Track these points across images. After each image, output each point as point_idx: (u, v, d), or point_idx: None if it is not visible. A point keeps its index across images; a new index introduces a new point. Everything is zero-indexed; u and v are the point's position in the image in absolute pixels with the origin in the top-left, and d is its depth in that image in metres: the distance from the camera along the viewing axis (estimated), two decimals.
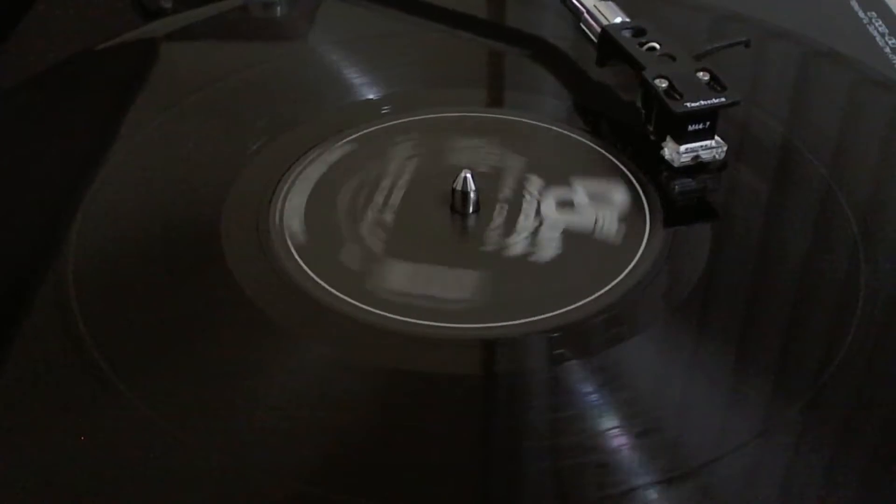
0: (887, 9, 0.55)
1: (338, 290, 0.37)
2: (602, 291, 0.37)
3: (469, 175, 0.40)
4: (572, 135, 0.45)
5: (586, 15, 0.48)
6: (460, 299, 0.37)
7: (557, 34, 0.52)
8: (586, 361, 0.35)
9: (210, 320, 0.37)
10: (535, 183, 0.42)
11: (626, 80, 0.46)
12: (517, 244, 0.39)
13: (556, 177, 0.42)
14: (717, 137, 0.42)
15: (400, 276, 0.38)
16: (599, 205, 0.41)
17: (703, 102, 0.41)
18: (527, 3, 0.57)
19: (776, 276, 0.39)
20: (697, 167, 0.43)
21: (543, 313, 0.36)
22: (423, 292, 0.37)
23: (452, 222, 0.40)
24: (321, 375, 0.34)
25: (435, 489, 0.31)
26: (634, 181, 0.42)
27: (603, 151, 0.44)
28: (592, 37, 0.47)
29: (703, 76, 0.43)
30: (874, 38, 0.53)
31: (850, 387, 0.34)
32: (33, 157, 0.43)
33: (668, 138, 0.42)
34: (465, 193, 0.40)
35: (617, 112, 0.47)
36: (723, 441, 0.32)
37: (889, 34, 0.53)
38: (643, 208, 0.41)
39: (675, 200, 0.42)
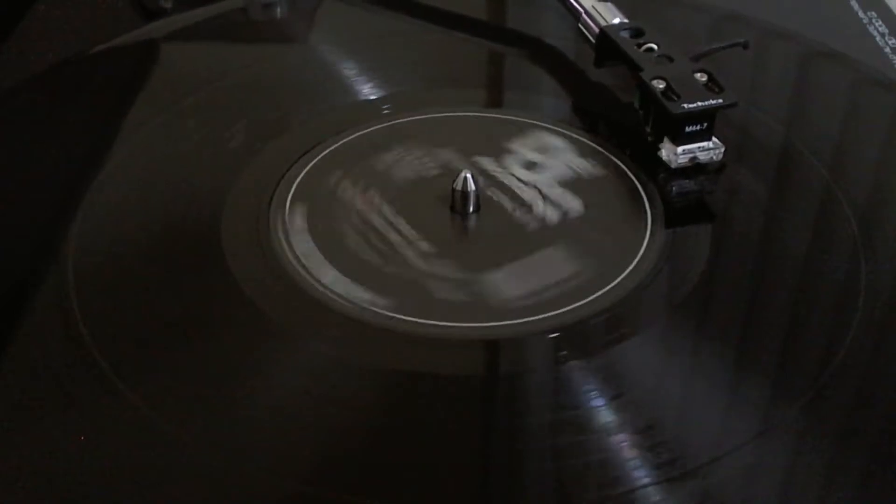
0: (887, 9, 0.55)
1: (338, 290, 0.37)
2: (602, 291, 0.37)
3: (469, 175, 0.40)
4: (572, 135, 0.45)
5: (584, 16, 0.48)
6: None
7: (557, 35, 0.52)
8: (586, 361, 0.35)
9: (210, 320, 0.37)
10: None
11: (625, 80, 0.46)
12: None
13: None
14: (714, 139, 0.42)
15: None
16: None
17: (700, 104, 0.41)
18: (526, 3, 0.57)
19: (776, 276, 0.39)
20: (696, 168, 0.43)
21: (544, 313, 0.36)
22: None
23: (452, 222, 0.40)
24: (321, 375, 0.34)
25: (435, 489, 0.31)
26: (635, 181, 0.42)
27: (603, 151, 0.44)
28: (591, 37, 0.47)
29: (701, 77, 0.43)
30: (874, 38, 0.53)
31: (850, 387, 0.34)
32: (33, 157, 0.43)
33: (666, 139, 0.42)
34: (465, 193, 0.40)
35: (616, 112, 0.47)
36: (723, 441, 0.32)
37: (889, 34, 0.53)
38: (643, 209, 0.41)
39: (675, 201, 0.42)
